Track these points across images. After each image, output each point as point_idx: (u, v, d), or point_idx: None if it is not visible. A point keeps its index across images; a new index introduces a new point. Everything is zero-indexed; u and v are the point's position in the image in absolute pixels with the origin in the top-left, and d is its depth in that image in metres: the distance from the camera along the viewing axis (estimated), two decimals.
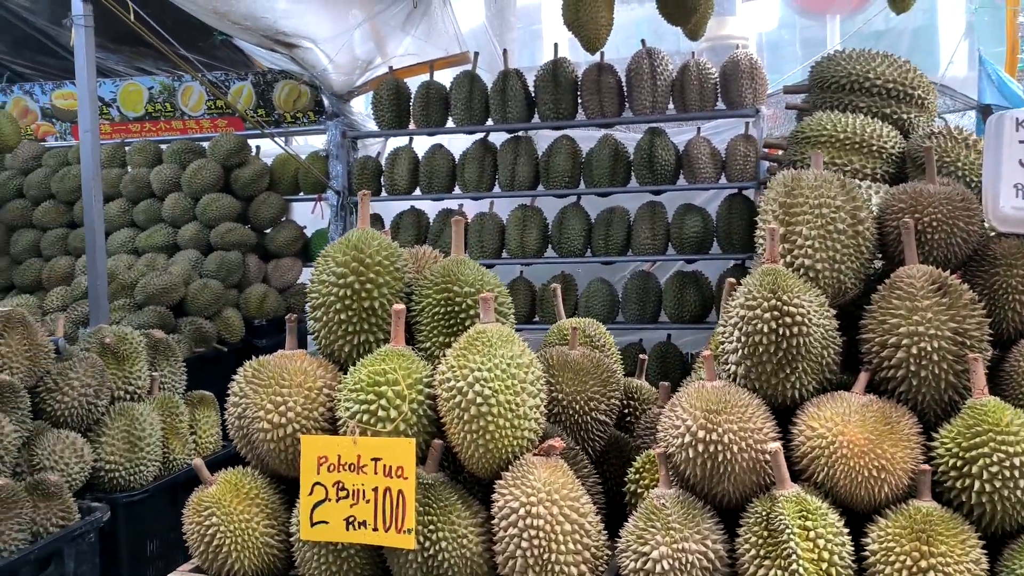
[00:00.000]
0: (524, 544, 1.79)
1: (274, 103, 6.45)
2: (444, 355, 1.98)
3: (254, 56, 6.25)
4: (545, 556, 1.78)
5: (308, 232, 6.58)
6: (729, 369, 1.90)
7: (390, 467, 1.92)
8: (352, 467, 1.96)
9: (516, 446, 1.90)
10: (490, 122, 5.92)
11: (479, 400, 1.87)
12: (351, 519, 1.96)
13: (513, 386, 1.89)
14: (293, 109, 6.46)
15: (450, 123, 6.04)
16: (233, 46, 6.20)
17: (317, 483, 1.99)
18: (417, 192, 6.12)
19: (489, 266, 6.17)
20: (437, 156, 6.04)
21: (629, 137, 6.00)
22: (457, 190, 6.05)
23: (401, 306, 2.05)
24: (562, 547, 1.79)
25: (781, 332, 1.79)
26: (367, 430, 1.94)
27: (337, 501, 1.97)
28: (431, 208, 6.24)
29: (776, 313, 1.79)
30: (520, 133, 5.98)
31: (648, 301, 5.76)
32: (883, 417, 1.83)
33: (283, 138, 6.54)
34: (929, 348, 1.86)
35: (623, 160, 5.71)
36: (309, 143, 7.20)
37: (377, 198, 6.27)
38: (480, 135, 6.01)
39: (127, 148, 6.57)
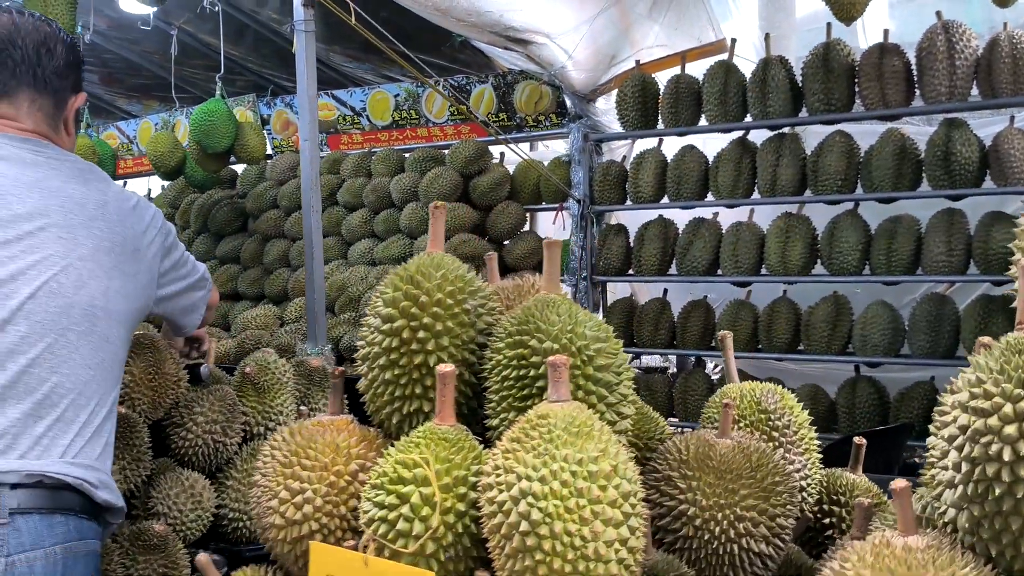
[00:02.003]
0: None
1: (515, 106, 6.03)
2: (495, 445, 1.34)
3: (494, 57, 5.87)
4: None
5: None
6: (943, 512, 1.08)
7: None
8: None
9: None
10: (748, 118, 5.14)
11: (524, 526, 1.21)
12: None
13: (579, 509, 1.21)
14: (535, 112, 6.01)
15: (703, 121, 5.32)
16: (473, 48, 5.86)
17: None
18: (665, 200, 5.46)
19: (744, 284, 5.39)
20: (687, 159, 5.34)
21: (920, 131, 4.98)
22: (710, 196, 5.34)
23: (448, 367, 1.43)
24: None
25: None
26: (384, 547, 1.35)
27: None
28: (681, 217, 5.54)
29: None
30: (784, 130, 5.13)
31: (942, 331, 4.73)
32: None
33: (526, 143, 6.13)
34: None
35: (911, 158, 4.71)
36: (554, 148, 6.73)
37: (621, 207, 5.70)
38: (737, 134, 5.25)
39: (372, 157, 6.44)
